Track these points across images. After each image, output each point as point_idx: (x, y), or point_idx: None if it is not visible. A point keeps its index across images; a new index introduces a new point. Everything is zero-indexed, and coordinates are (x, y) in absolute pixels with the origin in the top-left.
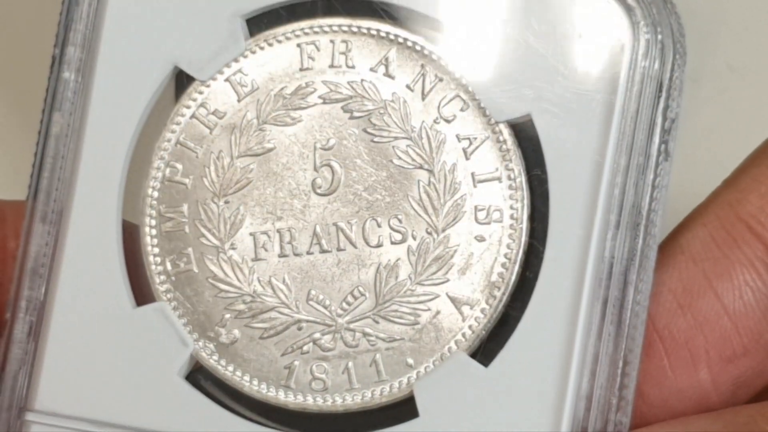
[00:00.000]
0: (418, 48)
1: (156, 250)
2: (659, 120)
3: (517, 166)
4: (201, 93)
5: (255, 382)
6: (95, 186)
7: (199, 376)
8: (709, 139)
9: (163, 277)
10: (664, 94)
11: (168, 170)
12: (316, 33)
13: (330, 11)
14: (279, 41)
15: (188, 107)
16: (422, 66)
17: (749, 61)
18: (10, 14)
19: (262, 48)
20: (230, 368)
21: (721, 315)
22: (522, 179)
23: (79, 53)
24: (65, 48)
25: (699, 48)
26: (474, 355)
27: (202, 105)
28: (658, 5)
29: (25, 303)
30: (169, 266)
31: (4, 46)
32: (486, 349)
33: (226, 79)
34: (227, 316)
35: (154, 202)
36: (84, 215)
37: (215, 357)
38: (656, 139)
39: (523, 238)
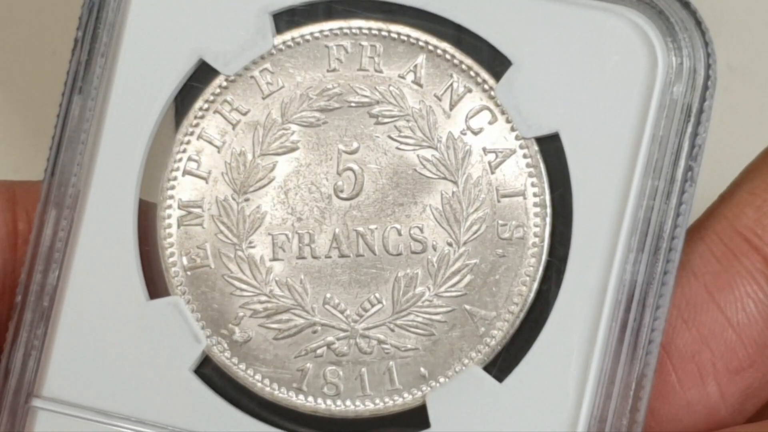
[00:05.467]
0: (448, 57)
1: (172, 242)
2: (686, 145)
3: (542, 183)
4: (225, 88)
5: (267, 383)
6: (114, 173)
7: (210, 373)
8: (709, 139)
9: (177, 271)
10: (692, 120)
11: (188, 163)
12: (345, 35)
13: (360, 14)
14: (307, 40)
15: (211, 101)
16: (451, 75)
17: (749, 61)
18: (10, 14)
19: (289, 46)
20: (242, 367)
21: (726, 327)
22: (546, 197)
23: (103, 37)
24: (88, 30)
25: None
26: (489, 370)
27: (226, 100)
28: (692, 32)
29: (37, 287)
30: (184, 261)
31: (4, 46)
32: (501, 365)
33: (252, 76)
34: (242, 314)
35: (173, 194)
36: (101, 203)
37: (228, 355)
38: (682, 164)
39: (544, 257)
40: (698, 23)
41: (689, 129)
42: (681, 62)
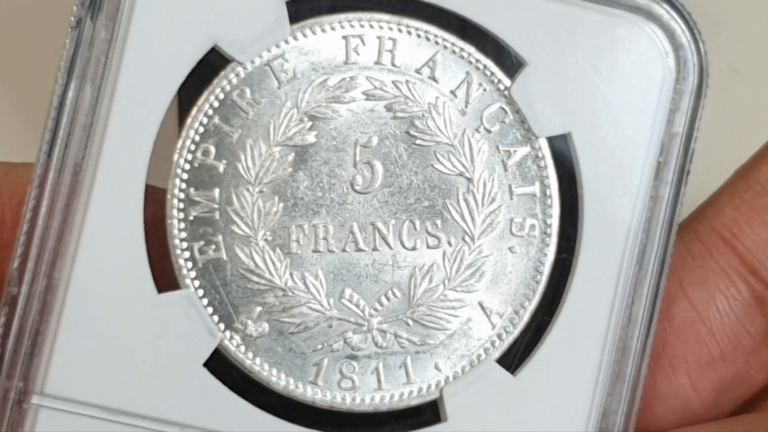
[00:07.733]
0: (464, 55)
1: (183, 234)
2: (683, 147)
3: (554, 182)
4: (239, 75)
5: (282, 377)
6: (121, 159)
7: (224, 368)
8: (709, 139)
9: (189, 264)
10: (691, 124)
11: (200, 152)
12: (362, 27)
13: (378, 7)
14: (324, 31)
15: (225, 89)
16: (467, 73)
17: (750, 62)
18: (10, 14)
19: (305, 35)
20: (257, 362)
21: (696, 322)
22: (557, 195)
23: (117, 17)
24: (98, 11)
25: None
26: (503, 363)
27: (240, 88)
28: (690, 41)
29: (33, 278)
30: (196, 253)
31: (4, 46)
32: (515, 358)
33: (267, 64)
34: (257, 308)
35: (183, 184)
36: (107, 191)
37: (242, 349)
38: (677, 167)
39: (555, 253)
40: (693, 33)
41: (687, 132)
42: (683, 69)
